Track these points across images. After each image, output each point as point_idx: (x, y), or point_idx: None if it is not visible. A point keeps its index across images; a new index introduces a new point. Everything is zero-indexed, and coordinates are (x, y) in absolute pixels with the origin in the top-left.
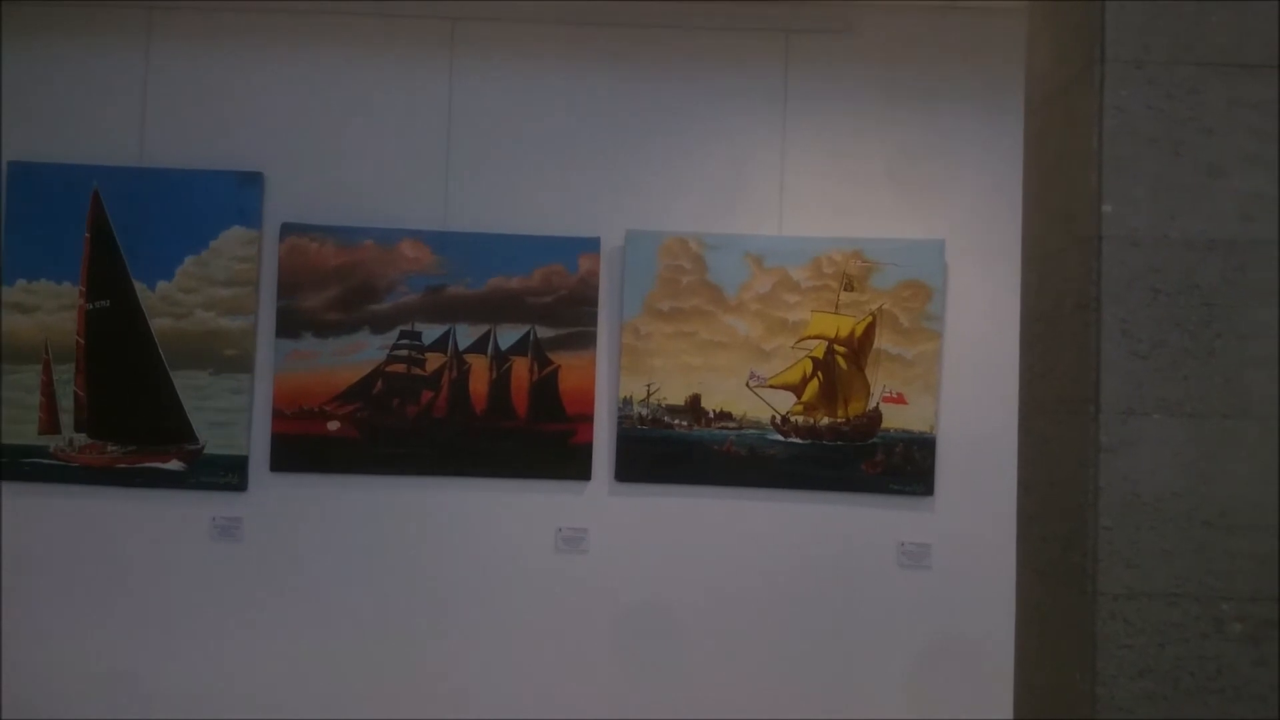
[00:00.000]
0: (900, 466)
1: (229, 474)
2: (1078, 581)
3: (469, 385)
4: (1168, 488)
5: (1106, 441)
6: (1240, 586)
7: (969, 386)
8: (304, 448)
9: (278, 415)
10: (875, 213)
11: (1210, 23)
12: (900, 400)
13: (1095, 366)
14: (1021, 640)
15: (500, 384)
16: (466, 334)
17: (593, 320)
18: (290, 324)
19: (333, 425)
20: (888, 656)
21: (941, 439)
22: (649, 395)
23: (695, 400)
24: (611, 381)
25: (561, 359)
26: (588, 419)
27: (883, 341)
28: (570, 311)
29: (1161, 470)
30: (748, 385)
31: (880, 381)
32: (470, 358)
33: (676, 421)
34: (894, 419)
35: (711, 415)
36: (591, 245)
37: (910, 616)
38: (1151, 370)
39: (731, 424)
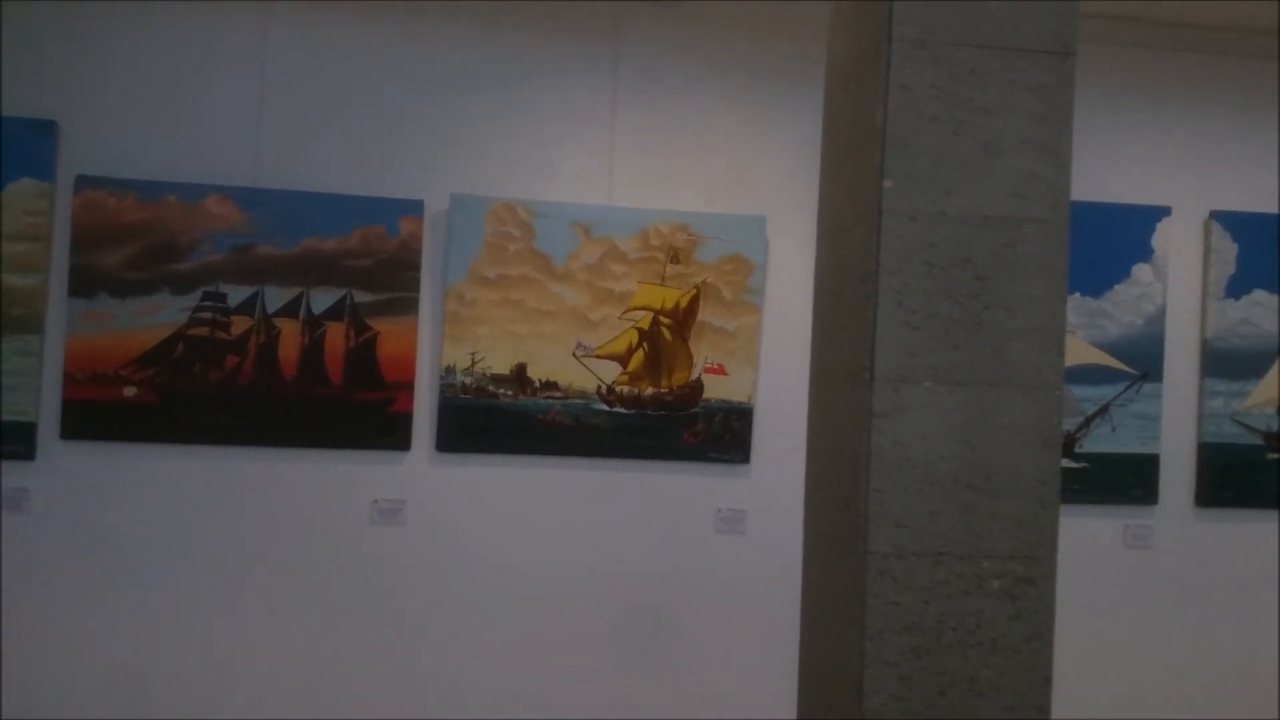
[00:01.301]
0: (720, 435)
1: (16, 442)
2: (851, 542)
3: (278, 351)
4: (936, 452)
5: (879, 408)
6: (999, 546)
7: (786, 359)
8: (98, 415)
9: (69, 380)
10: (702, 187)
11: (991, 7)
12: (721, 371)
13: (871, 337)
14: (805, 600)
15: (313, 350)
16: (276, 297)
17: (415, 286)
18: (84, 283)
19: (129, 391)
20: (706, 620)
21: (759, 409)
22: (473, 364)
23: (521, 369)
24: (434, 349)
25: (380, 325)
26: (408, 387)
27: (706, 314)
28: (390, 276)
29: (931, 436)
30: (574, 355)
31: (703, 353)
32: (280, 322)
33: (501, 391)
34: (715, 389)
35: (537, 385)
36: (414, 208)
37: (726, 581)
38: (924, 340)
39: (557, 394)
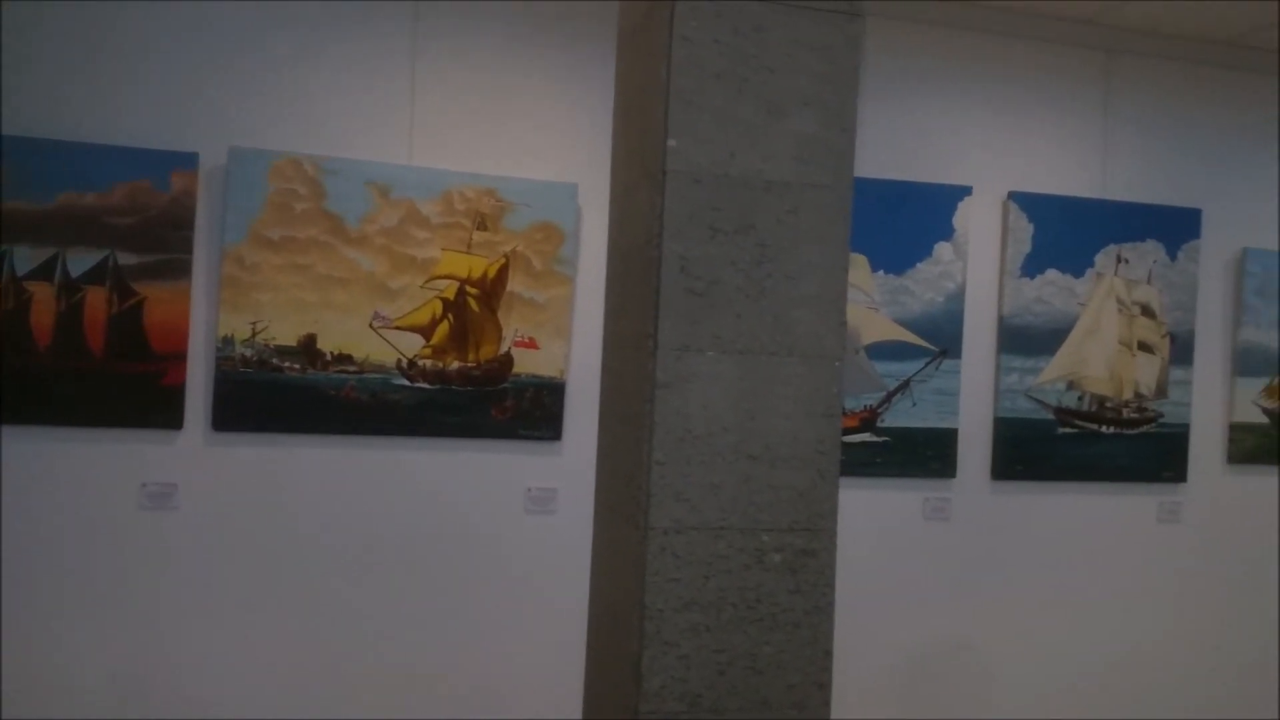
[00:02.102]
0: (530, 412)
1: None
2: (633, 517)
3: (29, 318)
4: (718, 423)
5: (662, 378)
6: (780, 518)
7: (599, 332)
8: None
9: None
10: (510, 150)
11: None
12: (532, 345)
13: (655, 304)
14: (592, 578)
15: (70, 317)
16: (27, 258)
17: (188, 247)
18: None
19: None
20: (515, 601)
21: (571, 384)
22: (254, 334)
23: (310, 341)
24: (209, 317)
25: (148, 290)
26: (180, 359)
27: (515, 284)
28: (160, 236)
29: (713, 406)
30: (371, 326)
31: (512, 325)
32: (32, 285)
33: (287, 364)
34: (525, 364)
35: (329, 358)
36: (188, 161)
37: (535, 562)
38: (707, 308)
39: (352, 368)
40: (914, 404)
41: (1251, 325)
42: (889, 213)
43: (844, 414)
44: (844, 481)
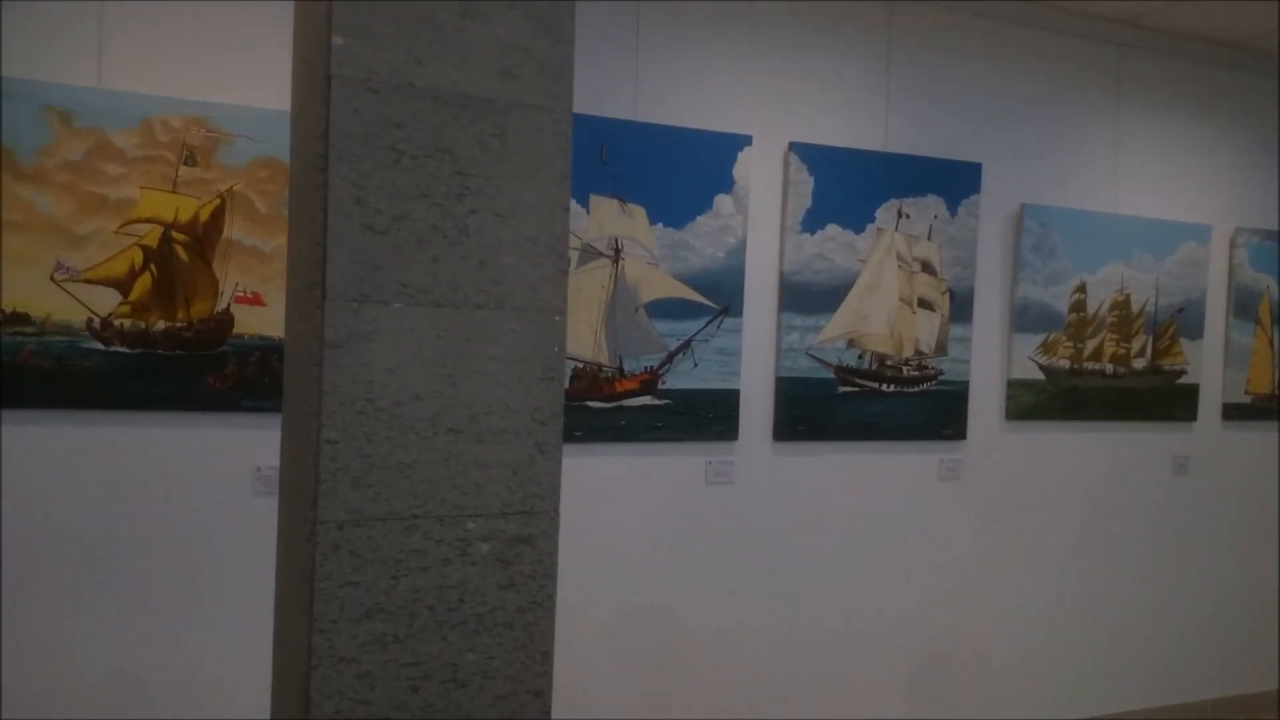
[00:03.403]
0: (256, 379)
1: None
2: (302, 510)
3: None
4: (410, 390)
5: (333, 335)
6: (489, 501)
7: None
8: None
9: None
10: (224, 72)
11: None
12: (256, 301)
13: (322, 243)
14: (277, 580)
15: None
16: None
17: None
18: None
19: None
20: (241, 595)
21: None
22: None
23: None
24: None
25: None
26: None
27: (234, 230)
28: None
29: (402, 370)
30: (53, 279)
31: (231, 278)
32: None
33: None
34: (249, 323)
35: (0, 316)
36: None
37: (264, 551)
38: (392, 249)
39: (30, 328)
40: (696, 365)
41: (1029, 282)
42: (668, 162)
43: (624, 377)
44: (625, 448)
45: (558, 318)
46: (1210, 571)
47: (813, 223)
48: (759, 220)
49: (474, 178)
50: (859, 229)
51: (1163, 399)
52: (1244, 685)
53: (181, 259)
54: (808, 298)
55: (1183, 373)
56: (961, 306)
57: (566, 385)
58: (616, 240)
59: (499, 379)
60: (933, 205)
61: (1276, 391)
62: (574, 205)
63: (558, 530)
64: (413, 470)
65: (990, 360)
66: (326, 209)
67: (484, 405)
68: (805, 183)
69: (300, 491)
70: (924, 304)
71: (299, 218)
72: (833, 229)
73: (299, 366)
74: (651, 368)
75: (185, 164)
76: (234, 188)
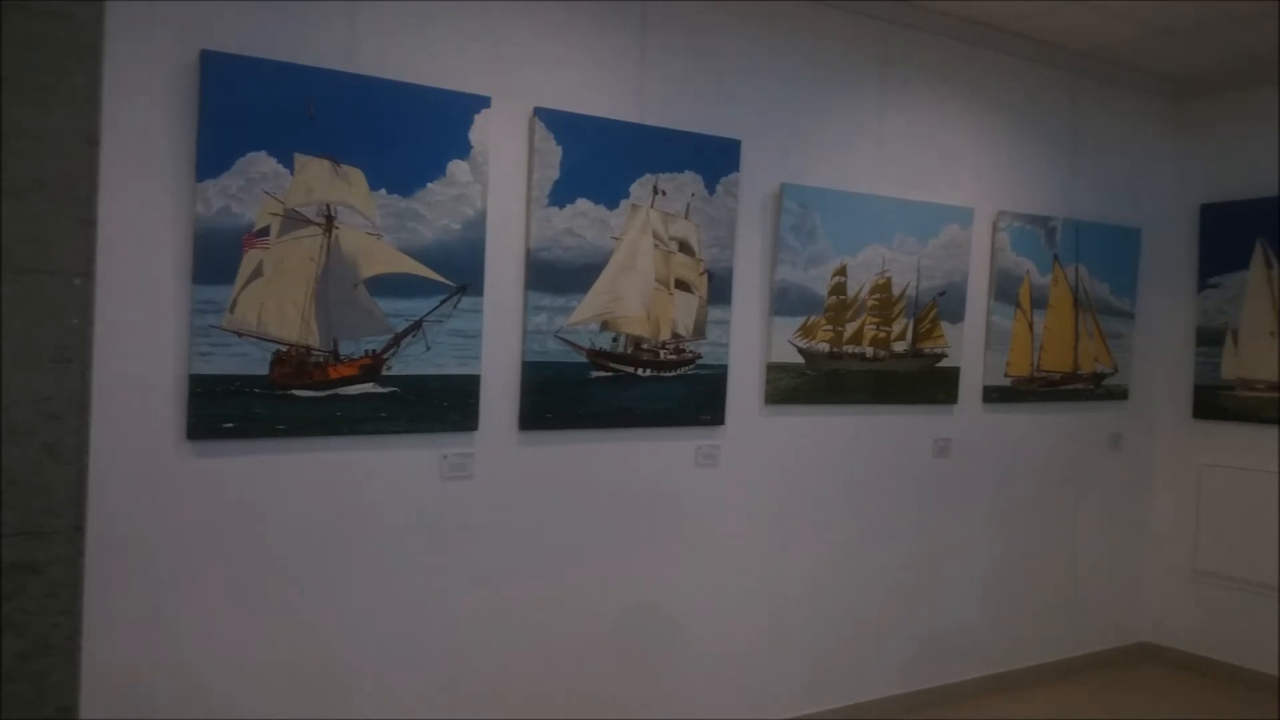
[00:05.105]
0: None
1: None
2: None
3: None
4: None
5: None
6: None
7: None
8: None
9: None
10: None
11: None
12: None
13: None
14: None
15: None
16: None
17: None
18: None
19: None
20: None
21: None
22: None
23: None
24: None
25: None
26: None
27: None
28: None
29: None
30: None
31: None
32: None
33: None
34: None
35: None
36: None
37: None
38: None
39: None
40: (428, 348)
41: (788, 264)
42: (392, 121)
43: (340, 361)
44: (342, 443)
45: (78, 281)
46: (971, 552)
47: (562, 196)
48: (501, 191)
49: None
50: (612, 204)
51: (923, 382)
52: (1004, 664)
53: None
54: (557, 276)
55: (943, 355)
56: (720, 288)
57: (266, 371)
58: (329, 206)
59: None
60: (690, 182)
61: (1036, 374)
62: (271, 162)
63: (82, 554)
64: None
65: (749, 344)
66: None
67: None
68: (553, 152)
69: None
70: (681, 285)
71: None
72: (584, 203)
73: None
74: (374, 351)
75: None
76: None
